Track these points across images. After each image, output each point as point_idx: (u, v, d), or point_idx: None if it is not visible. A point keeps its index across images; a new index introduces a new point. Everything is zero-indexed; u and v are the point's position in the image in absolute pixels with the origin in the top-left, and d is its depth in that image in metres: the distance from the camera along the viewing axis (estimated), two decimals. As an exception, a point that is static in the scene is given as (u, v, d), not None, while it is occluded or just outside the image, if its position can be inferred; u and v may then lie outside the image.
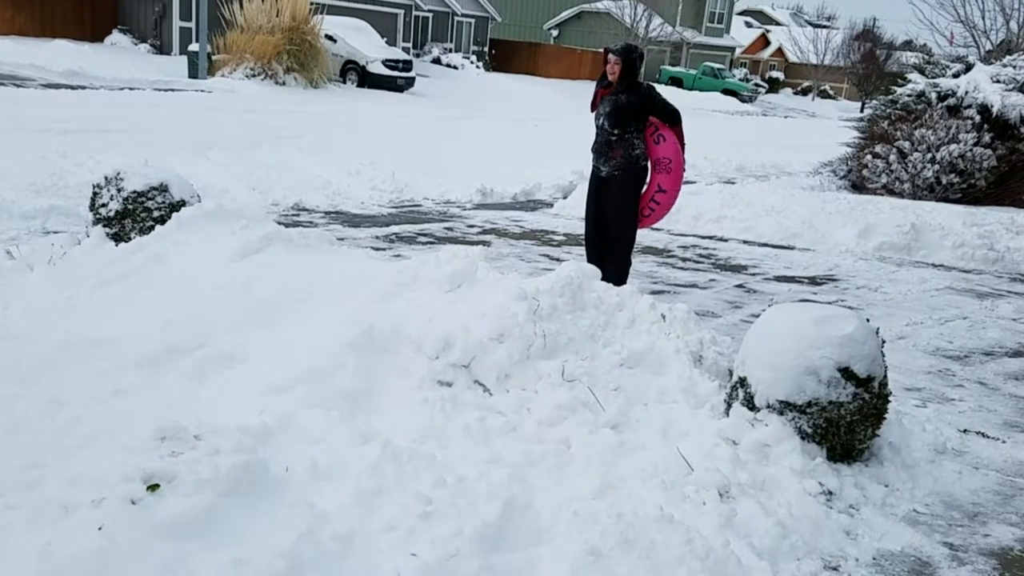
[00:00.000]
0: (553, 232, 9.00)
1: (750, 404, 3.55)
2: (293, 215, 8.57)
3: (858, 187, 12.69)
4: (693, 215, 9.94)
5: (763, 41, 58.37)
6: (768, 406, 3.49)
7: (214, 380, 3.70)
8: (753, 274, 7.80)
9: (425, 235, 8.31)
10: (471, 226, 9.04)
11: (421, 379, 3.74)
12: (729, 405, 3.65)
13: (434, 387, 3.72)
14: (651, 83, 5.85)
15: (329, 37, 23.88)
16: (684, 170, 5.74)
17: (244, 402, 3.46)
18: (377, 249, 7.26)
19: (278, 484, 2.86)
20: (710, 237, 9.41)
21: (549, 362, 3.84)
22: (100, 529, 2.49)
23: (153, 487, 2.61)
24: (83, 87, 17.11)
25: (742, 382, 3.61)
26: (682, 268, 7.85)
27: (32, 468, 2.89)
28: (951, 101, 11.91)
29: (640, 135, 5.58)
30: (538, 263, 7.47)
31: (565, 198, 10.86)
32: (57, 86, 16.77)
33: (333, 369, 3.71)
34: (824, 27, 58.45)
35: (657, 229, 9.49)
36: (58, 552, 2.42)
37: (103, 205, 5.26)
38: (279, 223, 5.24)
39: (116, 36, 26.02)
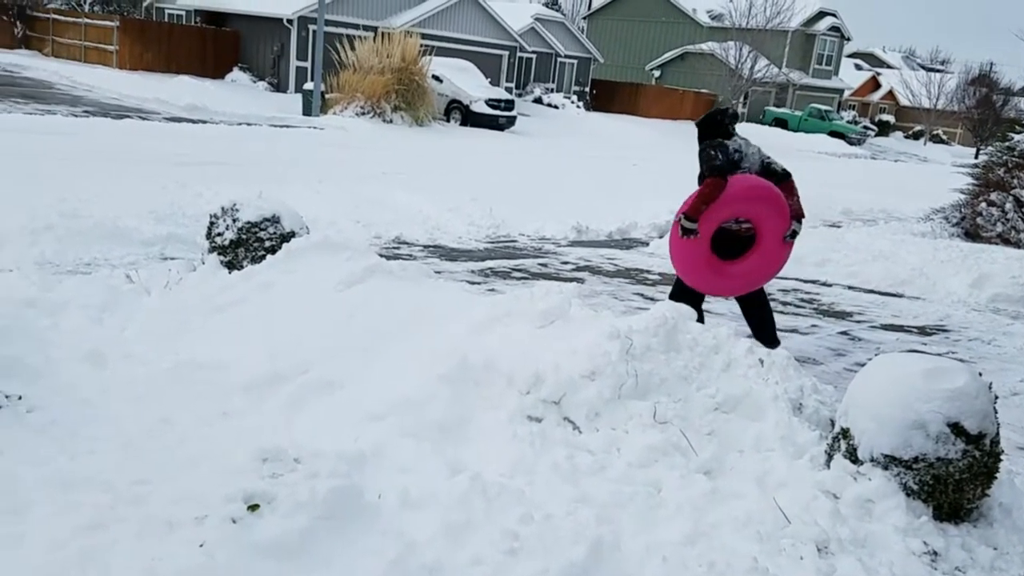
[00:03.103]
0: (648, 271, 8.94)
1: (853, 457, 3.42)
2: (394, 248, 8.78)
3: (971, 235, 12.16)
4: (795, 258, 9.64)
5: (873, 83, 56.85)
6: (872, 460, 3.36)
7: (314, 406, 3.81)
8: (858, 321, 7.54)
9: (520, 271, 8.37)
10: (565, 263, 9.07)
11: (511, 413, 3.75)
12: (830, 456, 3.52)
13: (524, 422, 3.73)
14: (709, 143, 5.36)
15: (436, 77, 24.53)
16: (680, 227, 5.24)
17: (341, 428, 3.55)
18: (472, 283, 7.36)
19: (371, 511, 2.91)
20: (812, 281, 9.15)
21: (640, 402, 3.80)
22: (202, 546, 2.59)
23: (253, 507, 2.70)
24: (203, 121, 18.04)
25: (845, 433, 3.48)
26: (782, 312, 7.65)
27: (141, 484, 3.04)
28: (1075, 148, 11.33)
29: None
30: (632, 302, 7.42)
31: (661, 237, 10.76)
32: (179, 120, 17.73)
33: (426, 400, 3.76)
34: (938, 71, 56.58)
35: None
36: (162, 568, 2.52)
37: (219, 234, 5.51)
38: (381, 255, 5.39)
39: (236, 74, 27.42)
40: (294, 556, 2.60)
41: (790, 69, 43.58)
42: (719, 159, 5.26)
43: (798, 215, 5.42)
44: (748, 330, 6.65)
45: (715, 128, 5.47)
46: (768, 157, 5.53)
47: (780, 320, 7.31)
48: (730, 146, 5.38)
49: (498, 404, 3.79)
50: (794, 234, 5.42)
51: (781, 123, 42.77)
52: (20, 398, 3.61)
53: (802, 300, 8.24)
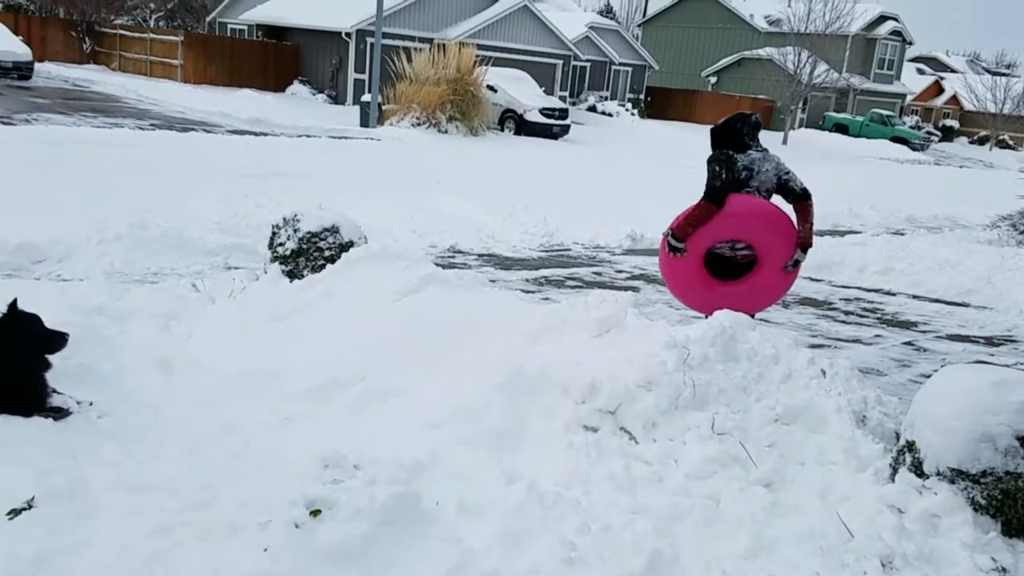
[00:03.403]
0: (706, 281, 8.84)
1: (918, 470, 3.34)
2: (449, 257, 8.85)
3: (1042, 242, 11.78)
4: (857, 267, 9.53)
5: (936, 88, 55.45)
6: (938, 473, 3.27)
7: (371, 413, 3.86)
8: (923, 331, 7.36)
9: (574, 279, 8.37)
10: (620, 271, 9.03)
11: (566, 423, 3.74)
12: (895, 470, 3.44)
13: (579, 431, 3.71)
14: (717, 156, 4.96)
15: (490, 87, 24.68)
16: (667, 243, 5.02)
17: (399, 435, 3.58)
18: (526, 292, 7.37)
19: (428, 517, 2.94)
20: (876, 290, 8.96)
21: (698, 413, 3.76)
22: (266, 551, 2.64)
23: (315, 512, 2.75)
24: (265, 134, 18.42)
25: (910, 446, 3.40)
26: (844, 322, 7.51)
27: (206, 488, 3.11)
28: None
29: None
30: (687, 311, 7.34)
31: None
32: (242, 132, 18.14)
33: (481, 408, 3.78)
34: (1003, 75, 54.84)
35: (818, 280, 9.17)
36: (227, 572, 2.58)
37: (280, 244, 5.62)
38: (436, 264, 5.43)
39: (296, 87, 28.00)
40: (355, 561, 2.64)
41: (850, 74, 42.77)
42: (721, 178, 4.84)
43: (805, 243, 4.95)
44: (809, 340, 6.54)
45: (731, 137, 4.98)
46: (787, 172, 5.01)
47: (842, 330, 7.19)
48: (740, 161, 4.90)
49: (553, 413, 3.79)
50: (796, 263, 4.99)
51: (842, 128, 42.03)
52: (91, 404, 3.73)
53: (865, 309, 8.07)
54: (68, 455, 3.24)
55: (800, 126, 40.87)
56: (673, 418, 3.75)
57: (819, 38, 34.91)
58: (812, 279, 9.21)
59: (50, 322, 3.67)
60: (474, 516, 3.01)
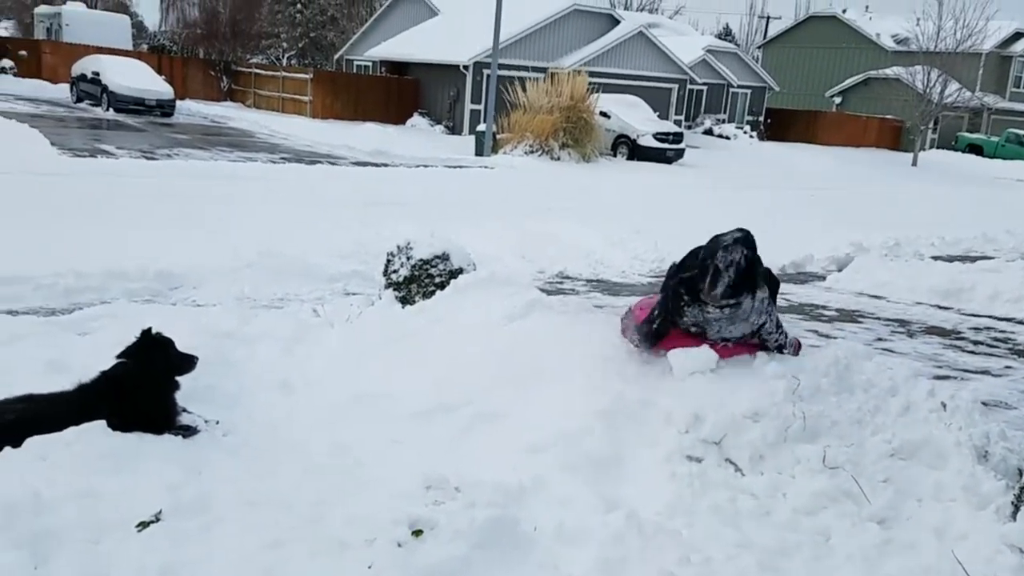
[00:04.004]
0: (824, 307, 8.56)
1: (1042, 510, 3.16)
2: (557, 282, 8.90)
3: None
4: (989, 294, 9.01)
5: (1081, 104, 51.93)
6: (1065, 514, 3.09)
7: (476, 436, 3.94)
8: (1060, 363, 6.89)
9: (687, 307, 8.24)
10: (736, 299, 8.84)
11: (669, 452, 3.72)
12: (1016, 508, 3.26)
13: (682, 461, 3.68)
14: (678, 285, 4.24)
15: (603, 114, 24.77)
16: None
17: (500, 459, 3.64)
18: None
19: (526, 542, 2.98)
20: (1008, 319, 8.45)
21: (809, 446, 3.67)
22: (370, 567, 2.75)
23: (417, 532, 2.85)
24: (385, 165, 19.07)
25: (1034, 484, 3.22)
26: (972, 352, 7.13)
27: (318, 505, 3.26)
28: None
29: None
30: (804, 339, 7.12)
31: (839, 271, 10.31)
32: (364, 164, 18.84)
33: (583, 434, 3.79)
34: None
35: (946, 308, 8.74)
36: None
37: (394, 271, 5.83)
38: (543, 290, 5.49)
39: (416, 119, 28.94)
40: (453, 582, 2.71)
41: (984, 93, 40.67)
42: (658, 321, 4.24)
43: None
44: (934, 371, 6.24)
45: (688, 289, 4.17)
46: (775, 338, 4.23)
47: (970, 361, 6.82)
48: (688, 316, 4.15)
49: (655, 442, 3.77)
50: None
51: (976, 149, 40.00)
52: (218, 422, 3.96)
53: (996, 339, 7.63)
54: (194, 471, 3.44)
55: (931, 147, 39.11)
56: (782, 450, 3.67)
57: (950, 56, 33.39)
58: (939, 307, 8.79)
59: (184, 345, 3.93)
60: (572, 543, 3.03)
